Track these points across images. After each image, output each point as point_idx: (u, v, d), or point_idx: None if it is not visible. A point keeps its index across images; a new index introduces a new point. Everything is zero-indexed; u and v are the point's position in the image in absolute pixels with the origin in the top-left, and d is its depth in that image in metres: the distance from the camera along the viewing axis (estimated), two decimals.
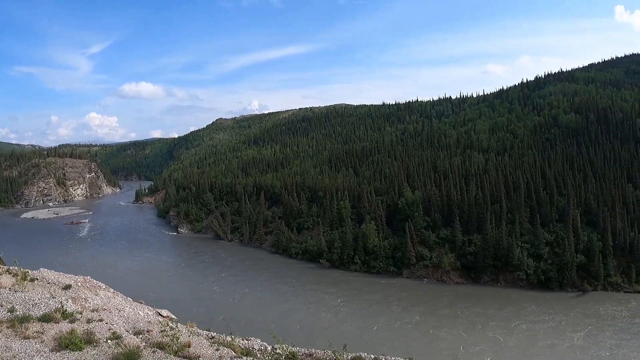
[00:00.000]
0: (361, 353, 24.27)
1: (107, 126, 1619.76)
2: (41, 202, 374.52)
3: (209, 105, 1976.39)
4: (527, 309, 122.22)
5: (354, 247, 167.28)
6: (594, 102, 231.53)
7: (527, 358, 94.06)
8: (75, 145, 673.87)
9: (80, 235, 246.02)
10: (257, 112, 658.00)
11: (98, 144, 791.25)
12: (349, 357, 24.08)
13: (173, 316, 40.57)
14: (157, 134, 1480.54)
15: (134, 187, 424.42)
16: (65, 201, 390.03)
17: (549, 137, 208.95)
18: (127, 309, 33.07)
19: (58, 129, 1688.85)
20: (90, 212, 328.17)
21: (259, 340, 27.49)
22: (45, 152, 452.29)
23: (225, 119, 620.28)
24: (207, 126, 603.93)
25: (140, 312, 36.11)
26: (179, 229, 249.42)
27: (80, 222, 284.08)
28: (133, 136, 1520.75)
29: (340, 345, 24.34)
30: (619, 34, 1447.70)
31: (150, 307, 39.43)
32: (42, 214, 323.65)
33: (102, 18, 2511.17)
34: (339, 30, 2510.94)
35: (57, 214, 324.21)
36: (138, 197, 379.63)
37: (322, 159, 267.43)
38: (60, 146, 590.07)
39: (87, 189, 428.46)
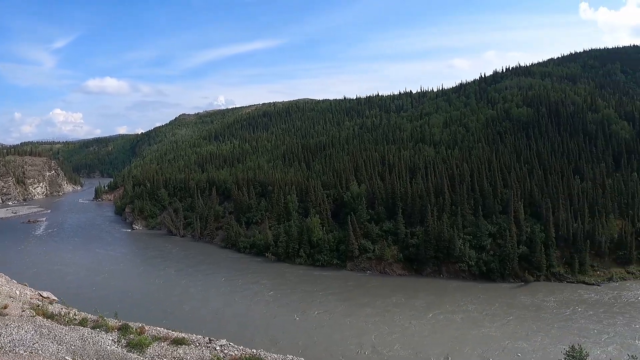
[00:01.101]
0: (133, 322, 29.11)
1: (72, 123, 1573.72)
2: (0, 201, 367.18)
3: (175, 101, 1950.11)
4: (453, 299, 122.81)
5: (299, 240, 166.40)
6: (546, 95, 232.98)
7: (435, 346, 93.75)
8: (37, 142, 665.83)
9: (37, 233, 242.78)
10: (222, 108, 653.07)
11: (62, 141, 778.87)
12: (119, 323, 29.74)
13: (54, 297, 47.57)
14: (122, 130, 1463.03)
15: (95, 185, 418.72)
16: (25, 200, 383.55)
17: (500, 130, 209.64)
18: (3, 287, 41.12)
19: (22, 126, 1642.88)
20: (49, 211, 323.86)
21: (75, 310, 34.43)
22: (5, 150, 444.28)
23: (189, 114, 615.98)
24: (170, 122, 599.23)
25: (17, 291, 43.99)
26: (133, 226, 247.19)
27: (37, 221, 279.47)
28: (98, 133, 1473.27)
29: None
30: (584, 30, 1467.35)
31: (31, 289, 47.44)
32: (0, 213, 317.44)
33: (66, 11, 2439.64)
34: (307, 24, 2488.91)
35: (15, 212, 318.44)
36: (97, 194, 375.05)
37: (277, 153, 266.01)
38: (23, 144, 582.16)
39: (47, 187, 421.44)
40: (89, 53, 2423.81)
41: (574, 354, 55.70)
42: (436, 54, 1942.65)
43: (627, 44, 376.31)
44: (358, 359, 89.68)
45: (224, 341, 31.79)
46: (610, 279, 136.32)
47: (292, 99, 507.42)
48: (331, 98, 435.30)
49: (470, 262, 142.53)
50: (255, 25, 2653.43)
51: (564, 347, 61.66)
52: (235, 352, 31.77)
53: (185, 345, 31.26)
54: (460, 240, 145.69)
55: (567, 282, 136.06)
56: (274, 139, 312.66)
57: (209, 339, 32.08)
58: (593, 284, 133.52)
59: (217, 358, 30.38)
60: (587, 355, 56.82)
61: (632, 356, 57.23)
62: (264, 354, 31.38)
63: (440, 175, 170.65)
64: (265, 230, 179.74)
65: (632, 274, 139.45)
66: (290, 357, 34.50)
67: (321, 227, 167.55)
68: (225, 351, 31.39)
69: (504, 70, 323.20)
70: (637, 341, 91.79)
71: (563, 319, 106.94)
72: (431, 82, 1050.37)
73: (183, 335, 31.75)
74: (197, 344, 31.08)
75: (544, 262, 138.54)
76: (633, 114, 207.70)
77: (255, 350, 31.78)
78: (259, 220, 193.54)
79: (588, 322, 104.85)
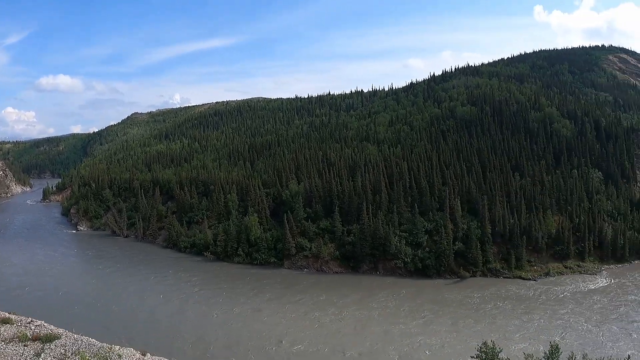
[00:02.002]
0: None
1: (25, 121, 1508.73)
2: None
3: (131, 99, 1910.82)
4: (378, 297, 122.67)
5: (237, 239, 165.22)
6: (491, 94, 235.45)
7: (350, 342, 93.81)
8: None
9: None
10: (177, 106, 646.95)
11: (12, 141, 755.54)
12: None
13: None
14: (76, 129, 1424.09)
15: (45, 185, 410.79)
16: None
17: (443, 129, 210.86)
18: None
19: None
20: None
21: None
22: None
23: (141, 113, 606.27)
24: (122, 121, 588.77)
25: None
26: (78, 227, 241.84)
27: None
28: (51, 132, 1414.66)
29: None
30: (538, 32, 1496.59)
31: None
32: None
33: (19, 7, 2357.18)
34: (265, 22, 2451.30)
35: None
36: (45, 195, 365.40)
37: (224, 152, 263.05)
38: None
39: None
40: (43, 50, 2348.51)
41: (487, 350, 55.52)
42: (393, 53, 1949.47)
43: (576, 46, 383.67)
44: (266, 354, 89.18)
45: (40, 322, 37.47)
46: (547, 274, 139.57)
47: (246, 98, 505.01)
48: (285, 97, 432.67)
49: (405, 259, 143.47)
50: (213, 23, 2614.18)
51: (477, 343, 61.37)
52: (44, 330, 36.35)
53: (9, 324, 37.34)
54: (396, 237, 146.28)
55: (504, 277, 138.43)
56: (224, 138, 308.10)
57: (31, 319, 38.07)
58: (529, 279, 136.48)
59: (22, 334, 34.99)
60: (501, 350, 56.74)
61: (529, 355, 57.30)
62: (65, 333, 34.58)
63: (378, 173, 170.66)
64: (205, 229, 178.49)
65: (570, 268, 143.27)
66: (85, 337, 36.13)
67: (260, 226, 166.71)
68: (37, 330, 36.16)
69: (453, 70, 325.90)
70: (555, 337, 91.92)
71: (483, 315, 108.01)
72: (387, 82, 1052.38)
73: (10, 316, 37.38)
74: (19, 324, 37.50)
75: (480, 258, 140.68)
76: (575, 112, 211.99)
77: (60, 330, 36.90)
78: (200, 220, 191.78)
79: (509, 318, 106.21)
